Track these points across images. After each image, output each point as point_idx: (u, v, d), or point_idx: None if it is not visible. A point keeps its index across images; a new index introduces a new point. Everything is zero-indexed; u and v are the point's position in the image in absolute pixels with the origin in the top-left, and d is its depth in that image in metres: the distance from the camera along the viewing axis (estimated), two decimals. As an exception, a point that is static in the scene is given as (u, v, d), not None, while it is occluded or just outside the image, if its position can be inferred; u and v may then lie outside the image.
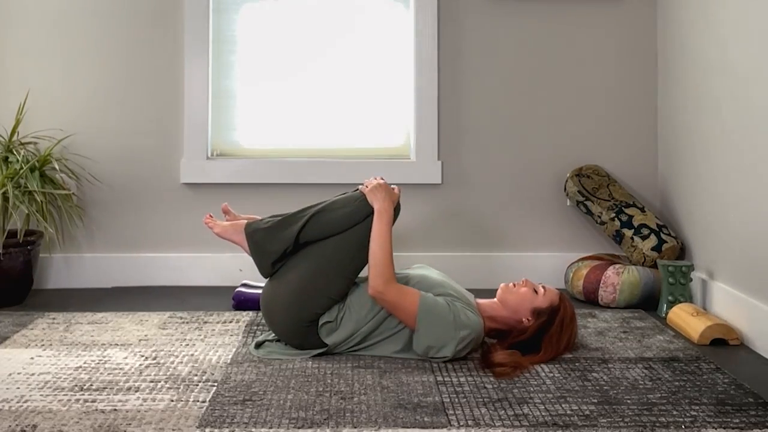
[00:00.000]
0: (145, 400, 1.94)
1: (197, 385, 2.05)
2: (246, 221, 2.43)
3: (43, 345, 2.39)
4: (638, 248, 3.01)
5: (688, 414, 1.87)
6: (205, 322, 2.67)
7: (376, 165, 3.24)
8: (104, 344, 2.41)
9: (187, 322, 2.67)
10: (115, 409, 1.88)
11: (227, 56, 3.32)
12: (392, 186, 2.40)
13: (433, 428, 1.78)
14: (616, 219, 3.09)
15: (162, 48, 3.27)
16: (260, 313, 2.66)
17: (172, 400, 1.94)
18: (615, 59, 3.32)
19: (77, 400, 1.93)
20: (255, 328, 2.60)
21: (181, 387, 2.04)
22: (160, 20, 3.26)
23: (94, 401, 1.93)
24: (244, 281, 3.01)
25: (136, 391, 2.00)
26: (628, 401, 1.96)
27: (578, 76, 3.32)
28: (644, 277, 2.93)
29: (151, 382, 2.07)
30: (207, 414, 1.85)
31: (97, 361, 2.24)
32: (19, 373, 2.13)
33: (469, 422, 1.81)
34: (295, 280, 2.30)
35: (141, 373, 2.15)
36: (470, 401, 1.94)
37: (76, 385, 2.04)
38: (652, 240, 2.99)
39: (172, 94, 3.28)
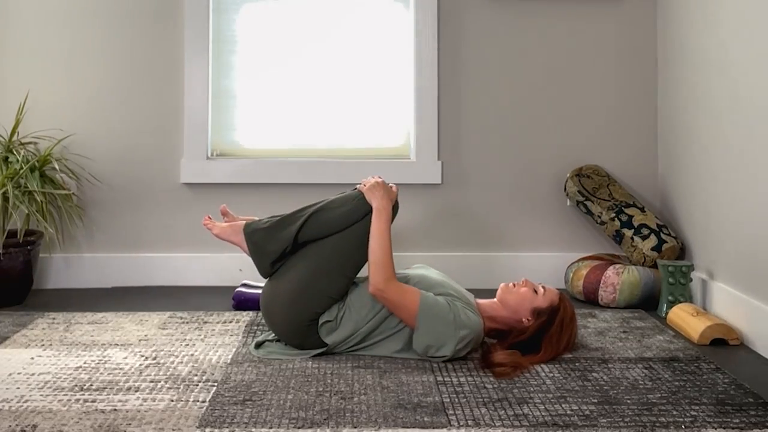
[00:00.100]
0: (145, 400, 1.94)
1: (197, 385, 2.05)
2: (245, 222, 2.43)
3: (43, 345, 2.39)
4: (638, 248, 3.01)
5: (688, 414, 1.87)
6: (205, 322, 2.67)
7: (376, 165, 3.23)
8: (104, 344, 2.41)
9: (187, 322, 2.67)
10: (115, 409, 1.88)
11: (227, 56, 3.32)
12: (390, 184, 2.41)
13: (433, 428, 1.78)
14: (616, 219, 3.09)
15: (162, 48, 3.27)
16: (260, 313, 2.66)
17: (172, 400, 1.94)
18: (615, 59, 3.32)
19: (77, 400, 1.93)
20: (255, 328, 2.61)
21: (181, 387, 2.04)
22: (160, 20, 3.26)
23: (94, 401, 1.93)
24: (244, 281, 3.01)
25: (136, 391, 2.00)
26: (628, 401, 1.96)
27: (578, 76, 3.32)
28: (644, 277, 2.93)
29: (151, 382, 2.07)
30: (207, 414, 1.85)
31: (97, 361, 2.24)
32: (19, 373, 2.13)
33: (469, 422, 1.81)
34: (294, 279, 2.30)
35: (141, 373, 2.15)
36: (470, 401, 1.94)
37: (76, 385, 2.04)
38: (652, 240, 2.99)
39: (172, 94, 3.28)
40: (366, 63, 3.34)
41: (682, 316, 2.61)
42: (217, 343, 2.44)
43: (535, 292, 2.31)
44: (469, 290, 2.53)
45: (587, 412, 1.88)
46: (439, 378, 2.11)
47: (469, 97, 3.31)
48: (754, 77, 2.47)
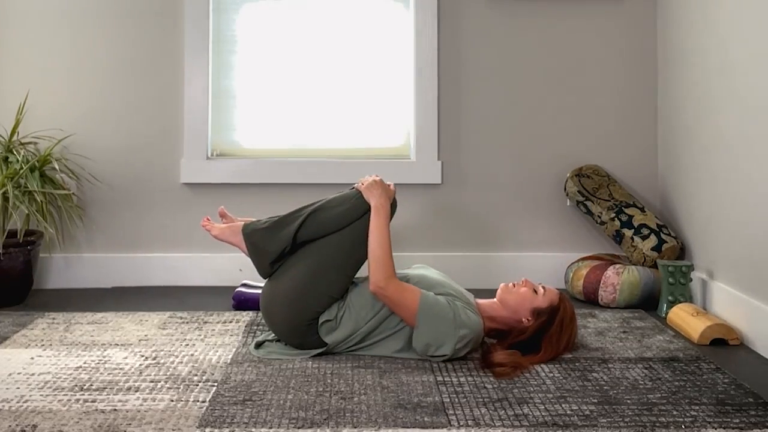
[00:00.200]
0: (145, 400, 1.94)
1: (197, 385, 2.05)
2: (243, 223, 2.43)
3: (43, 345, 2.39)
4: (638, 248, 3.01)
5: (688, 414, 1.87)
6: (205, 322, 2.67)
7: (377, 165, 3.23)
8: (104, 344, 2.41)
9: (187, 322, 2.67)
10: (115, 409, 1.88)
11: (227, 56, 3.32)
12: (387, 183, 2.41)
13: (433, 428, 1.78)
14: (616, 219, 3.09)
15: (162, 48, 3.27)
16: (260, 313, 2.66)
17: (172, 400, 1.94)
18: (615, 59, 3.32)
19: (77, 400, 1.93)
20: (255, 328, 2.61)
21: (181, 387, 2.04)
22: (160, 20, 3.26)
23: (94, 401, 1.93)
24: (244, 281, 3.01)
25: (136, 391, 2.00)
26: (628, 401, 1.96)
27: (578, 76, 3.32)
28: (644, 277, 2.93)
29: (151, 382, 2.07)
30: (207, 414, 1.85)
31: (97, 361, 2.24)
32: (19, 373, 2.13)
33: (469, 422, 1.81)
34: (294, 279, 2.30)
35: (141, 373, 2.15)
36: (470, 401, 1.94)
37: (76, 385, 2.04)
38: (652, 240, 2.99)
39: (172, 94, 3.28)
40: (366, 63, 3.34)
41: (682, 316, 2.61)
42: (217, 343, 2.44)
43: (535, 292, 2.31)
44: (469, 290, 2.53)
45: (587, 412, 1.88)
46: (439, 378, 2.11)
47: (469, 97, 3.31)
48: (754, 77, 2.47)
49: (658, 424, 1.81)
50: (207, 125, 3.27)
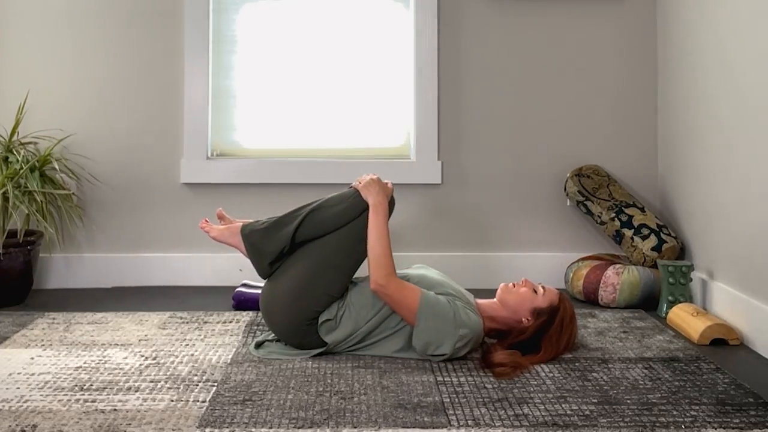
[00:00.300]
0: (145, 400, 1.94)
1: (197, 385, 2.05)
2: (242, 224, 2.43)
3: (43, 345, 2.39)
4: (638, 248, 3.01)
5: (688, 414, 1.87)
6: (205, 322, 2.67)
7: (377, 165, 3.23)
8: (104, 344, 2.41)
9: (187, 322, 2.67)
10: (115, 409, 1.88)
11: (227, 56, 3.32)
12: (385, 181, 2.41)
13: (433, 428, 1.78)
14: (616, 219, 3.09)
15: (162, 48, 3.27)
16: (260, 313, 2.66)
17: (172, 400, 1.94)
18: (615, 59, 3.32)
19: (77, 400, 1.93)
20: (255, 328, 2.61)
21: (181, 387, 2.04)
22: (160, 20, 3.26)
23: (94, 401, 1.93)
24: (244, 281, 3.01)
25: (136, 391, 2.00)
26: (628, 401, 1.96)
27: (578, 76, 3.32)
28: (644, 277, 2.93)
29: (151, 382, 2.07)
30: (207, 414, 1.85)
31: (97, 361, 2.24)
32: (19, 373, 2.13)
33: (469, 422, 1.81)
34: (293, 279, 2.30)
35: (141, 373, 2.15)
36: (470, 401, 1.94)
37: (76, 385, 2.04)
38: (652, 240, 2.99)
39: (172, 94, 3.28)
40: (366, 63, 3.34)
41: (682, 316, 2.61)
42: (217, 343, 2.44)
43: (535, 292, 2.31)
44: (469, 290, 2.53)
45: (587, 412, 1.88)
46: (439, 378, 2.11)
47: (469, 97, 3.31)
48: (754, 77, 2.47)
49: (658, 424, 1.81)
50: (207, 125, 3.27)
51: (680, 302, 2.78)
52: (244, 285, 2.96)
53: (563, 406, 1.92)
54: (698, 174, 2.90)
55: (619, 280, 2.92)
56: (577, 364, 2.24)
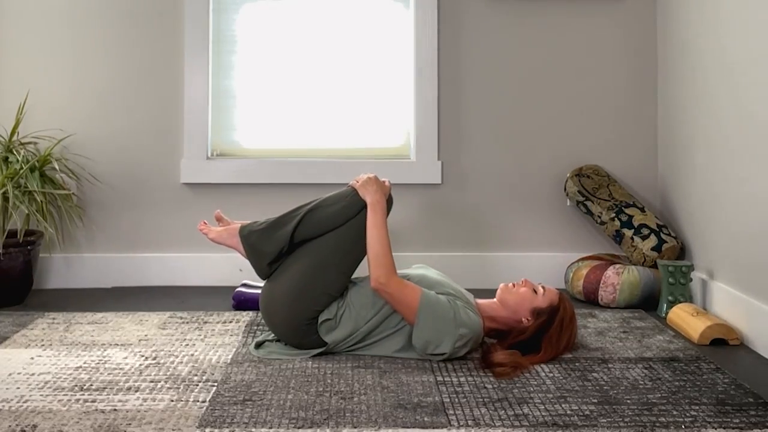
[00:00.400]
0: (145, 400, 1.94)
1: (197, 385, 2.05)
2: (240, 225, 2.43)
3: (43, 345, 2.39)
4: (638, 248, 3.01)
5: (688, 414, 1.87)
6: (205, 322, 2.67)
7: (377, 165, 3.23)
8: (104, 344, 2.41)
9: (187, 322, 2.67)
10: (115, 409, 1.88)
11: (227, 56, 3.32)
12: (382, 179, 2.41)
13: (433, 428, 1.78)
14: (616, 219, 3.09)
15: (162, 48, 3.27)
16: (260, 313, 2.66)
17: (172, 400, 1.94)
18: (615, 59, 3.32)
19: (77, 400, 1.93)
20: (255, 328, 2.61)
21: (181, 387, 2.04)
22: (160, 20, 3.26)
23: (94, 401, 1.93)
24: (244, 281, 3.01)
25: (136, 391, 2.00)
26: (628, 401, 1.96)
27: (578, 76, 3.32)
28: (644, 277, 2.93)
29: (151, 382, 2.07)
30: (207, 414, 1.85)
31: (97, 361, 2.24)
32: (19, 373, 2.13)
33: (469, 422, 1.81)
34: (292, 279, 2.30)
35: (141, 373, 2.15)
36: (470, 401, 1.94)
37: (76, 385, 2.04)
38: (652, 240, 2.99)
39: (172, 94, 3.28)
40: (366, 63, 3.34)
41: (682, 316, 2.61)
42: (217, 343, 2.44)
43: (535, 292, 2.31)
44: (469, 290, 2.53)
45: (587, 412, 1.88)
46: (439, 378, 2.11)
47: (469, 97, 3.31)
48: (754, 77, 2.47)
49: (658, 424, 1.81)
50: (207, 125, 3.27)
51: (680, 302, 2.78)
52: (244, 285, 2.96)
53: (563, 406, 1.92)
54: (698, 174, 2.90)
55: (619, 280, 2.92)
56: (577, 364, 2.24)
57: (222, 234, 2.44)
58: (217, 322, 2.67)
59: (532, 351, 2.25)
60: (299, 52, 3.33)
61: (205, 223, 2.51)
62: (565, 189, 3.27)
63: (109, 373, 2.14)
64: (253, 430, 1.76)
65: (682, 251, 3.07)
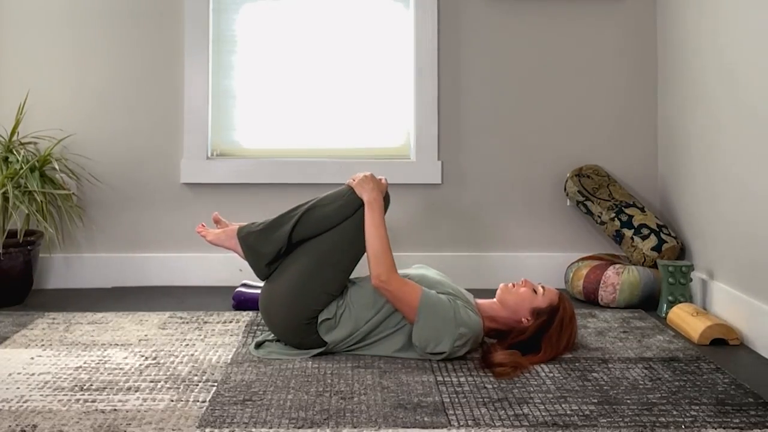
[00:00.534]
0: (145, 400, 1.94)
1: (197, 385, 2.05)
2: (238, 226, 2.43)
3: (43, 345, 2.39)
4: (638, 248, 3.01)
5: (688, 414, 1.87)
6: (205, 322, 2.67)
7: (376, 165, 3.23)
8: (104, 344, 2.41)
9: (187, 322, 2.67)
10: (115, 409, 1.88)
11: (227, 56, 3.32)
12: (379, 177, 2.41)
13: (433, 428, 1.78)
14: (616, 219, 3.09)
15: (162, 48, 3.27)
16: (260, 314, 2.66)
17: (172, 400, 1.94)
18: (615, 59, 3.32)
19: (77, 400, 1.93)
20: (255, 328, 2.61)
21: (181, 387, 2.04)
22: (160, 20, 3.26)
23: (94, 401, 1.93)
24: (244, 281, 3.02)
25: (136, 391, 2.00)
26: (628, 401, 1.96)
27: (578, 76, 3.32)
28: (644, 277, 2.93)
29: (151, 382, 2.07)
30: (207, 414, 1.85)
31: (97, 361, 2.24)
32: (19, 373, 2.13)
33: (469, 422, 1.81)
34: (291, 278, 2.30)
35: (141, 373, 2.15)
36: (470, 401, 1.94)
37: (76, 385, 2.04)
38: (652, 240, 2.99)
39: (172, 94, 3.28)
40: (366, 63, 3.34)
41: (682, 316, 2.61)
42: (217, 343, 2.44)
43: (535, 292, 2.31)
44: (469, 290, 2.53)
45: (587, 412, 1.88)
46: (439, 378, 2.11)
47: (469, 97, 3.31)
48: (754, 77, 2.47)
49: (658, 424, 1.81)
50: (207, 125, 3.27)
51: (680, 302, 2.78)
52: (244, 285, 2.96)
53: (563, 406, 1.92)
54: (698, 174, 2.90)
55: (619, 280, 2.92)
56: (577, 364, 2.24)
57: (220, 236, 2.44)
58: (217, 322, 2.67)
59: (532, 351, 2.25)
60: (299, 52, 3.33)
61: (203, 225, 2.52)
62: (565, 189, 3.27)
63: (109, 373, 2.14)
64: (253, 430, 1.76)
65: (682, 251, 3.07)
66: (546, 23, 3.31)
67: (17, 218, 2.96)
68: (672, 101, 3.16)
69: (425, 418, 1.83)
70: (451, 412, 1.87)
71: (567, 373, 2.16)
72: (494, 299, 2.37)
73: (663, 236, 3.00)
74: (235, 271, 3.24)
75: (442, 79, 3.30)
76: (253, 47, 3.32)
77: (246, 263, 2.44)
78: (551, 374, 2.15)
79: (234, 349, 2.36)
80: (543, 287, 2.33)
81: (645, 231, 3.02)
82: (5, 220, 2.88)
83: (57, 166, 3.03)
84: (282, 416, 1.84)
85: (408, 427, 1.78)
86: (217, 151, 3.32)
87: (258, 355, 2.30)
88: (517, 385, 2.07)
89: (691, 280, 2.82)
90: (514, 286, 2.35)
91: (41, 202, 2.90)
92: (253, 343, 2.38)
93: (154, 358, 2.27)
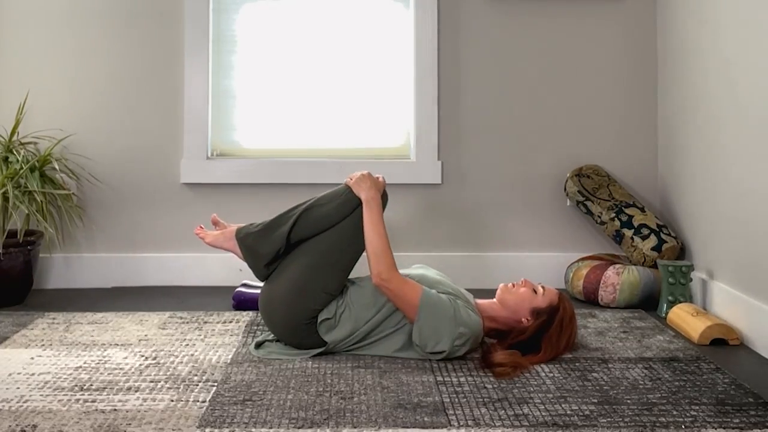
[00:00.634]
0: (145, 400, 1.94)
1: (197, 385, 2.05)
2: (237, 228, 2.43)
3: (43, 345, 2.39)
4: (638, 248, 3.01)
5: (688, 414, 1.87)
6: (205, 322, 2.67)
7: (376, 165, 3.23)
8: (104, 344, 2.41)
9: (187, 322, 2.67)
10: (115, 409, 1.88)
11: (227, 56, 3.32)
12: (376, 176, 2.41)
13: (433, 428, 1.78)
14: (616, 219, 3.09)
15: (162, 48, 3.27)
16: (260, 314, 2.66)
17: (172, 400, 1.94)
18: (615, 59, 3.32)
19: (77, 400, 1.93)
20: (255, 328, 2.61)
21: (181, 387, 2.04)
22: (160, 20, 3.26)
23: (94, 401, 1.93)
24: (244, 281, 3.02)
25: (136, 391, 2.00)
26: (628, 401, 1.96)
27: (578, 76, 3.32)
28: (644, 277, 2.93)
29: (151, 382, 2.07)
30: (207, 414, 1.85)
31: (97, 361, 2.24)
32: (19, 373, 2.13)
33: (469, 422, 1.81)
34: (290, 279, 2.30)
35: (141, 373, 2.15)
36: (470, 401, 1.94)
37: (76, 385, 2.04)
38: (652, 240, 2.99)
39: (172, 94, 3.28)
40: (366, 63, 3.34)
41: (682, 316, 2.61)
42: (217, 343, 2.44)
43: (535, 292, 2.31)
44: (469, 290, 2.53)
45: (587, 412, 1.88)
46: (439, 378, 2.11)
47: (469, 97, 3.31)
48: (754, 77, 2.47)
49: (658, 424, 1.81)
50: (207, 125, 3.27)
51: (680, 302, 2.78)
52: (244, 285, 2.96)
53: (563, 406, 1.92)
54: (698, 174, 2.90)
55: (619, 280, 2.92)
56: (577, 364, 2.24)
57: (218, 238, 2.44)
58: (217, 322, 2.67)
59: (532, 351, 2.25)
60: (299, 52, 3.33)
61: (201, 227, 2.52)
62: (565, 189, 3.27)
63: (109, 373, 2.14)
64: (253, 430, 1.76)
65: (682, 251, 3.07)
66: (546, 23, 3.31)
67: (17, 218, 2.96)
68: (672, 101, 3.16)
69: (425, 418, 1.83)
70: (451, 412, 1.87)
71: (567, 373, 2.16)
72: (494, 299, 2.37)
73: (663, 236, 3.00)
74: (235, 271, 3.24)
75: (442, 79, 3.30)
76: (253, 47, 3.32)
77: (246, 264, 2.44)
78: (551, 374, 2.15)
79: (234, 349, 2.36)
80: (543, 287, 2.33)
81: (645, 231, 3.03)
82: (5, 220, 2.88)
83: (57, 166, 3.03)
84: (282, 416, 1.84)
85: (408, 427, 1.78)
86: (217, 151, 3.32)
87: (258, 355, 2.30)
88: (517, 385, 2.07)
89: (691, 280, 2.82)
90: (514, 286, 2.35)
91: (41, 202, 2.90)
92: (253, 343, 2.38)
93: (154, 358, 2.27)
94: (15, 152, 2.99)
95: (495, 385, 2.06)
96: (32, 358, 2.26)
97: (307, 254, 2.32)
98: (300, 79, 3.33)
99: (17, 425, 1.77)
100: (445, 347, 2.21)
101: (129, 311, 2.83)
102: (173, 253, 3.28)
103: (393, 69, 3.35)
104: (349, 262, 2.34)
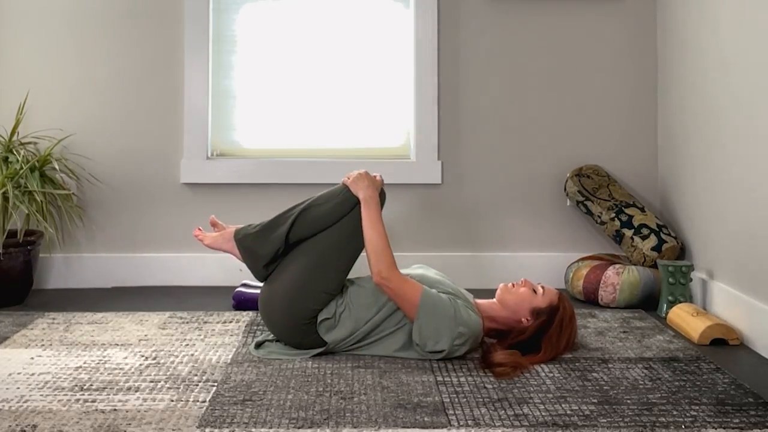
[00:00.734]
0: (145, 400, 1.94)
1: (197, 385, 2.05)
2: (235, 229, 2.43)
3: (43, 345, 2.39)
4: (638, 248, 3.01)
5: (688, 414, 1.87)
6: (205, 322, 2.67)
7: (376, 165, 3.23)
8: (104, 344, 2.41)
9: (187, 322, 2.67)
10: (115, 409, 1.88)
11: (227, 56, 3.32)
12: (374, 174, 2.41)
13: (433, 428, 1.78)
14: (616, 219, 3.09)
15: (162, 48, 3.27)
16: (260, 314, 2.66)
17: (172, 400, 1.94)
18: (615, 59, 3.32)
19: (77, 400, 1.93)
20: (255, 328, 2.61)
21: (181, 387, 2.04)
22: (160, 20, 3.26)
23: (94, 401, 1.93)
24: (244, 281, 3.02)
25: (136, 391, 2.00)
26: (628, 401, 1.96)
27: (578, 76, 3.32)
28: (644, 277, 2.93)
29: (151, 382, 2.07)
30: (207, 414, 1.85)
31: (97, 361, 2.24)
32: (19, 373, 2.13)
33: (469, 422, 1.81)
34: (290, 278, 2.30)
35: (141, 373, 2.15)
36: (470, 401, 1.94)
37: (76, 385, 2.04)
38: (652, 240, 2.99)
39: (172, 94, 3.28)
40: (366, 63, 3.34)
41: (682, 316, 2.61)
42: (217, 343, 2.44)
43: (535, 292, 2.31)
44: (469, 290, 2.53)
45: (587, 412, 1.88)
46: (439, 378, 2.11)
47: (469, 97, 3.31)
48: (754, 76, 2.47)
49: (658, 424, 1.81)
50: (207, 125, 3.27)
51: (680, 302, 2.78)
52: (244, 285, 2.96)
53: (563, 406, 1.92)
54: (698, 174, 2.90)
55: (619, 280, 2.92)
56: (577, 364, 2.24)
57: (217, 239, 2.45)
58: (217, 322, 2.67)
59: (532, 351, 2.25)
60: (299, 52, 3.33)
61: (200, 229, 2.52)
62: (565, 189, 3.27)
63: (109, 373, 2.14)
64: (253, 430, 1.76)
65: (682, 251, 3.07)
66: (546, 23, 3.31)
67: (17, 218, 2.96)
68: (672, 101, 3.16)
69: (425, 418, 1.83)
70: (451, 412, 1.87)
71: (567, 373, 2.16)
72: (494, 299, 2.37)
73: (663, 236, 3.00)
74: (234, 271, 3.23)
75: (442, 79, 3.30)
76: (253, 47, 3.32)
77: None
78: (551, 374, 2.15)
79: (234, 349, 2.36)
80: (543, 287, 2.33)
81: (645, 231, 3.03)
82: (5, 220, 2.88)
83: (57, 166, 3.03)
84: (282, 416, 1.84)
85: (408, 427, 1.78)
86: (217, 151, 3.32)
87: (258, 355, 2.30)
88: (517, 385, 2.07)
89: (691, 280, 2.82)
90: (513, 286, 2.35)
91: (41, 202, 2.90)
92: (253, 343, 2.38)
93: (154, 358, 2.27)
94: (15, 152, 2.99)
95: (495, 385, 2.06)
96: (32, 358, 2.26)
97: (306, 254, 2.32)
98: (300, 79, 3.33)
99: (17, 425, 1.77)
100: (445, 346, 2.21)
101: (129, 311, 2.83)
102: (173, 253, 3.28)
103: (393, 69, 3.35)
104: (348, 262, 2.34)
